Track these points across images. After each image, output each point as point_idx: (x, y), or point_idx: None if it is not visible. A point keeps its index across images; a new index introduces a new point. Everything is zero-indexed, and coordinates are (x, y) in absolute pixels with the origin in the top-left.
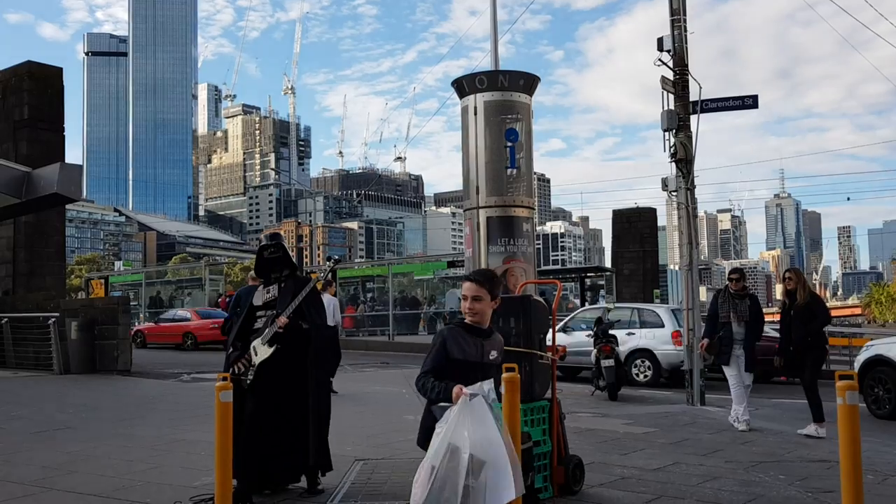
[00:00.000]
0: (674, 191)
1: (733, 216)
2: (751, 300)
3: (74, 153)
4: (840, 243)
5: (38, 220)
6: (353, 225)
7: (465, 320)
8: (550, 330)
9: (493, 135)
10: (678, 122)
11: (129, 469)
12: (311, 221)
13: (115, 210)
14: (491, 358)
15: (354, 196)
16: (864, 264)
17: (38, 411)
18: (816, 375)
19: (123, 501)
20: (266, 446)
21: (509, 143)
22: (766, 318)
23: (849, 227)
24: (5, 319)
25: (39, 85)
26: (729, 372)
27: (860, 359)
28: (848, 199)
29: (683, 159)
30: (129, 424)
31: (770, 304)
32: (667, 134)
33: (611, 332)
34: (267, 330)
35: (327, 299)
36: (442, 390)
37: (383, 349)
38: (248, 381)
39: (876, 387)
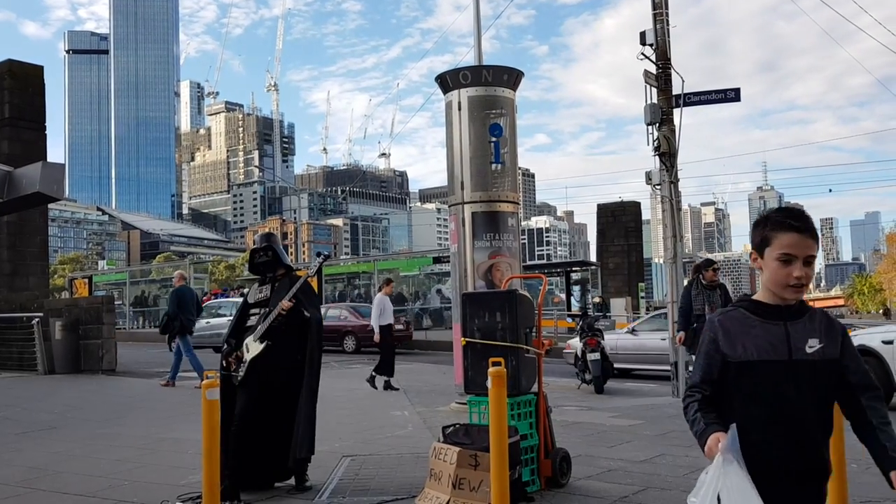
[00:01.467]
0: (658, 184)
1: (717, 209)
2: (721, 290)
3: (56, 152)
4: (823, 235)
5: (20, 220)
6: (339, 222)
7: (769, 299)
8: (536, 324)
9: (478, 130)
10: (661, 115)
11: (116, 468)
12: (295, 219)
13: (99, 209)
14: (809, 352)
15: (339, 193)
16: (846, 255)
17: (23, 412)
18: None
19: (110, 501)
20: (255, 443)
21: (493, 138)
22: None
23: (831, 218)
24: None
25: (20, 83)
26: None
27: None
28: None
29: (667, 153)
30: (115, 424)
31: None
32: (650, 128)
33: (597, 325)
34: (259, 326)
35: (379, 298)
36: (699, 432)
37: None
38: (239, 378)
39: None
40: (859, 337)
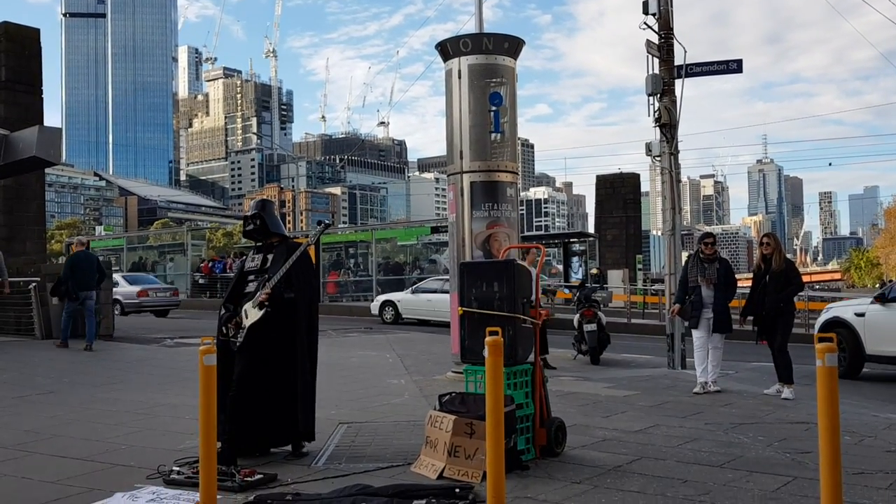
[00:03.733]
0: (658, 156)
1: (716, 182)
2: (721, 264)
3: (53, 116)
4: (821, 209)
5: (17, 184)
6: (337, 190)
7: None
8: (534, 294)
9: (478, 99)
10: (663, 86)
11: (114, 432)
12: (293, 187)
13: (96, 174)
14: None
15: (337, 161)
16: (844, 230)
17: (21, 376)
18: (787, 339)
19: (108, 465)
20: (253, 409)
21: (493, 108)
22: (741, 284)
23: (830, 192)
24: None
25: (16, 46)
26: (696, 335)
27: (820, 321)
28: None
29: (668, 124)
30: (112, 389)
31: (751, 270)
32: (651, 98)
33: (594, 296)
34: (258, 294)
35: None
36: None
37: (367, 314)
38: (238, 344)
39: None
40: (834, 310)
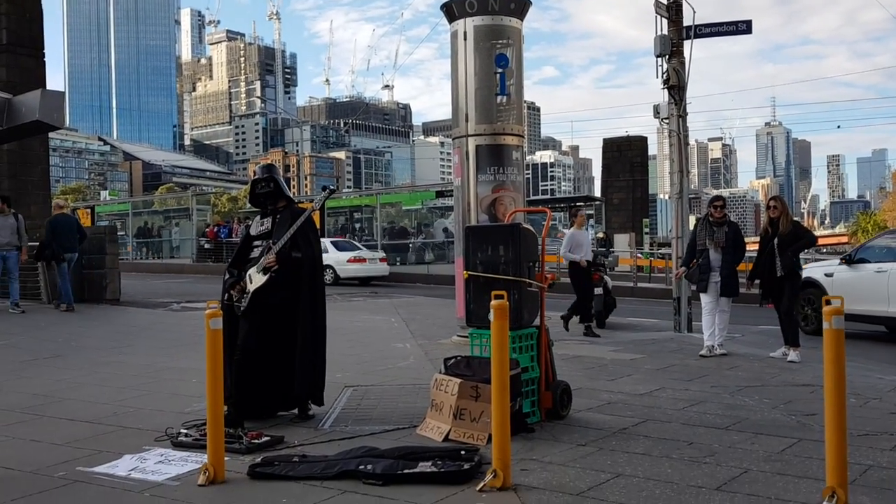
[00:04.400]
0: (665, 118)
1: (724, 144)
2: (730, 227)
3: (56, 80)
4: (829, 172)
5: (21, 149)
6: (341, 154)
7: None
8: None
9: (483, 61)
10: (671, 47)
11: (121, 396)
12: (298, 151)
13: (100, 139)
14: None
15: (342, 125)
16: (852, 193)
17: (28, 340)
18: (794, 302)
19: (115, 427)
20: (258, 373)
21: (499, 70)
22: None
23: (838, 155)
24: None
25: (17, 8)
26: (704, 299)
27: None
28: (838, 127)
29: (676, 86)
30: (119, 353)
31: (758, 234)
32: (660, 60)
33: (608, 259)
34: (263, 259)
35: (579, 234)
36: None
37: None
38: (242, 308)
39: (806, 306)
40: (806, 270)
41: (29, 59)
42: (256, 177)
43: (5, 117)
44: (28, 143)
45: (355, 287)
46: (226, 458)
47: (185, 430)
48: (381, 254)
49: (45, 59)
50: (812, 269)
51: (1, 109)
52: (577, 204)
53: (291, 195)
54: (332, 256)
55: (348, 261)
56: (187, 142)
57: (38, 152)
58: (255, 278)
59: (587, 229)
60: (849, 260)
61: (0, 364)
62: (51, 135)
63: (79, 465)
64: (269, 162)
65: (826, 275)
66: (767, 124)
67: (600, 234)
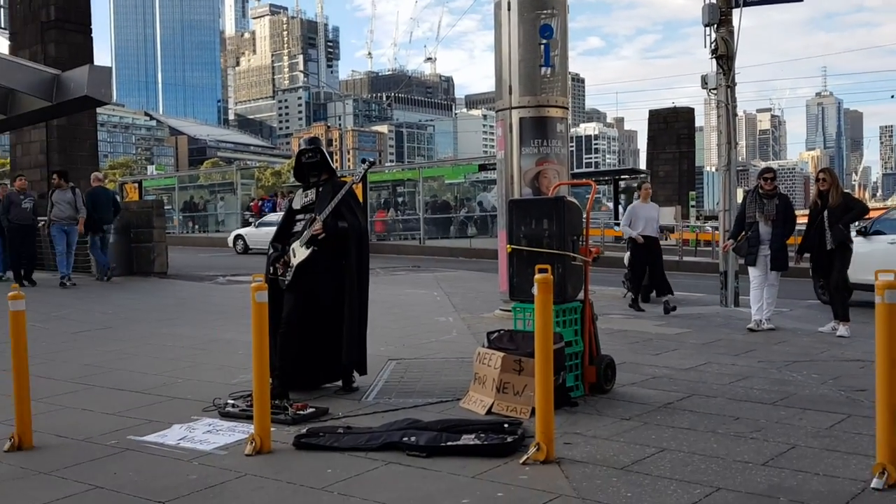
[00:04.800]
0: (713, 89)
1: (773, 115)
2: (780, 199)
3: (103, 56)
4: (881, 143)
5: (70, 124)
6: (383, 128)
7: None
8: (584, 231)
9: (527, 31)
10: (720, 16)
11: (169, 367)
12: (340, 125)
13: (146, 114)
14: None
15: (384, 99)
16: None
17: (78, 312)
18: (843, 276)
19: (164, 398)
20: (302, 345)
21: (544, 41)
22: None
23: (891, 126)
24: (43, 223)
25: None
26: (753, 272)
27: None
28: (893, 96)
29: (724, 55)
30: (167, 325)
31: (807, 206)
32: (708, 29)
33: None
34: (305, 232)
35: (639, 207)
36: None
37: (415, 253)
38: (286, 282)
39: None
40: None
41: (77, 34)
42: (302, 148)
43: (54, 93)
44: (77, 119)
45: (388, 261)
46: (272, 429)
47: (232, 401)
48: None
49: (93, 35)
50: None
51: (50, 85)
52: (641, 176)
53: (334, 168)
54: (245, 228)
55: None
56: (231, 116)
57: (86, 127)
58: (299, 252)
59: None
60: (864, 232)
61: (52, 336)
62: (98, 110)
63: (129, 433)
64: (313, 135)
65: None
66: (818, 94)
67: (629, 208)
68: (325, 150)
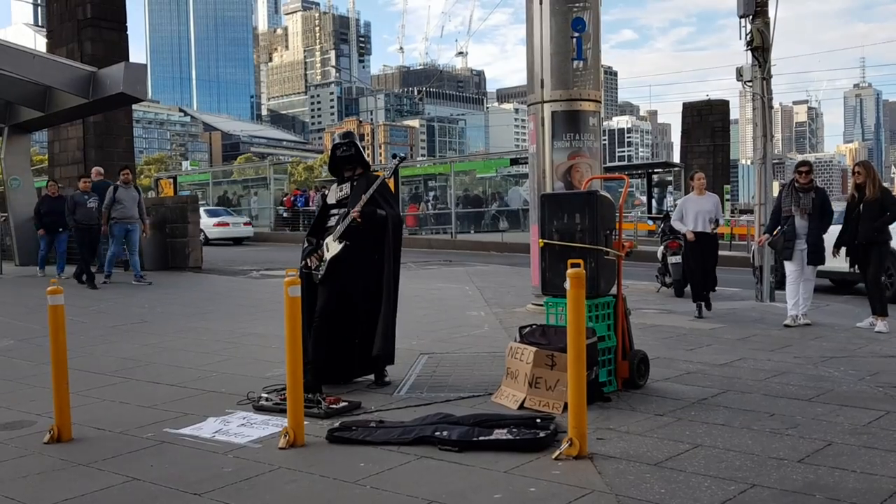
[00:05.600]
0: (749, 81)
1: (810, 108)
2: (816, 193)
3: (138, 53)
4: None
5: (106, 120)
6: (415, 123)
7: None
8: (617, 225)
9: (559, 24)
10: (755, 6)
11: (204, 360)
12: (372, 120)
13: (181, 110)
14: None
15: (416, 93)
16: None
17: (115, 306)
18: (881, 270)
19: (200, 391)
20: (335, 339)
21: (576, 34)
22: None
23: None
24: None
25: None
26: (789, 267)
27: None
28: None
29: (760, 47)
30: (202, 319)
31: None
32: (743, 20)
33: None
34: (339, 227)
35: (690, 201)
36: None
37: (446, 247)
38: (320, 277)
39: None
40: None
41: (112, 32)
42: (336, 142)
43: (91, 90)
44: (113, 115)
45: (420, 255)
46: (305, 423)
47: (266, 395)
48: (245, 219)
49: (128, 33)
50: None
51: (87, 82)
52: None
53: (368, 161)
54: (203, 221)
55: (214, 225)
56: (264, 112)
57: (122, 124)
58: (332, 247)
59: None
60: None
61: (89, 329)
62: (134, 106)
63: (165, 426)
64: (347, 129)
65: None
66: (856, 86)
67: (679, 201)
68: (359, 143)
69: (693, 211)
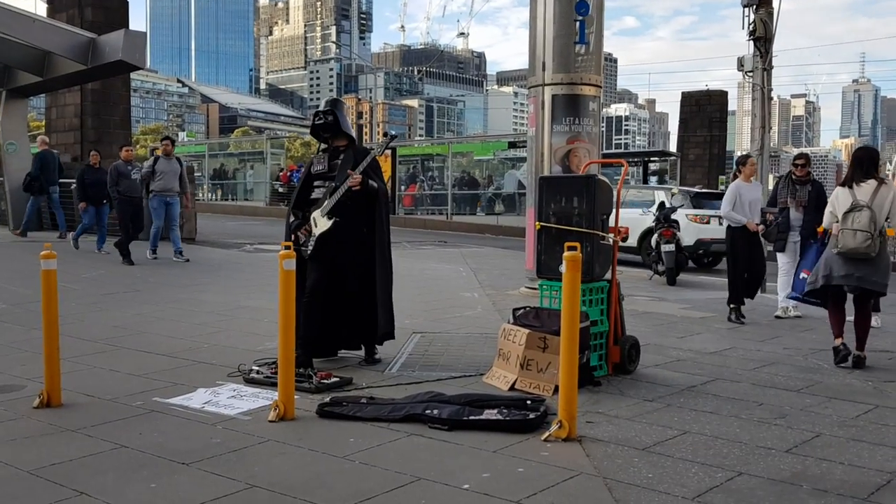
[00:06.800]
0: (750, 71)
1: (808, 101)
2: (813, 186)
3: (138, 21)
4: None
5: (104, 88)
6: (414, 102)
7: None
8: (614, 211)
9: (563, 7)
10: None
11: (196, 331)
12: (371, 98)
13: (179, 81)
14: None
15: (416, 73)
16: None
17: (107, 274)
18: None
19: (191, 361)
20: (326, 315)
21: (579, 17)
22: None
23: None
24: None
25: None
26: (782, 259)
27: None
28: None
29: (762, 37)
30: (195, 290)
31: None
32: (747, 10)
33: (673, 216)
34: (327, 202)
35: (745, 188)
36: None
37: (442, 228)
38: (309, 252)
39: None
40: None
41: None
42: (317, 110)
43: (90, 56)
44: (111, 83)
45: (415, 235)
46: (296, 397)
47: (257, 368)
48: None
49: (129, 0)
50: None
51: (86, 48)
52: (745, 153)
53: (353, 133)
54: None
55: None
56: (263, 86)
57: (120, 92)
58: (321, 222)
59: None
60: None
61: (80, 297)
62: (132, 75)
63: (155, 395)
64: (335, 98)
65: None
66: (855, 81)
67: (675, 190)
68: (342, 112)
69: (748, 200)
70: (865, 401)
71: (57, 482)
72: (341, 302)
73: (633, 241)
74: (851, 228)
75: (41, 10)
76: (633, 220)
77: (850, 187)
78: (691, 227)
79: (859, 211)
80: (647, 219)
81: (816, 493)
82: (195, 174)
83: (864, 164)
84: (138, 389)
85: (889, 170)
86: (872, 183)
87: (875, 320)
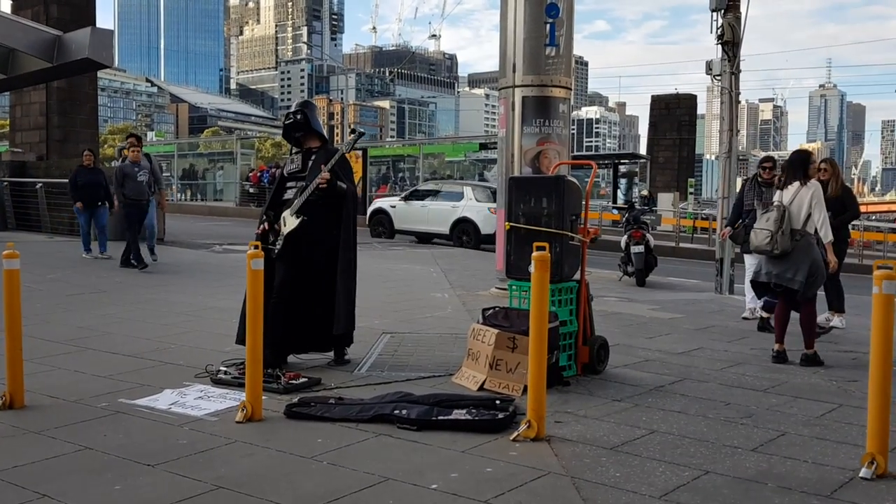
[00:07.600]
0: (718, 75)
1: (775, 106)
2: None
3: (105, 19)
4: (883, 137)
5: (70, 86)
6: (385, 104)
7: None
8: (583, 212)
9: (533, 10)
10: (728, 1)
11: (163, 332)
12: (342, 99)
13: (148, 80)
14: None
15: (387, 74)
16: None
17: (73, 275)
18: (839, 267)
19: (157, 362)
20: (294, 315)
21: (549, 20)
22: None
23: (893, 120)
24: (40, 184)
25: None
26: (749, 261)
27: (369, 210)
28: None
29: (730, 42)
30: (162, 290)
31: None
32: (715, 14)
33: (643, 218)
34: (296, 200)
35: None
36: None
37: None
38: (277, 251)
39: (380, 227)
40: (376, 202)
41: None
42: (289, 111)
43: (55, 54)
44: (77, 81)
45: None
46: (263, 398)
47: (225, 368)
48: None
49: None
50: (381, 202)
51: (51, 46)
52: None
53: (324, 134)
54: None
55: None
56: (233, 86)
57: (87, 90)
58: (289, 221)
59: (630, 188)
60: (406, 198)
61: (46, 297)
62: (99, 74)
63: (121, 396)
64: (306, 99)
65: (391, 206)
66: (822, 86)
67: (644, 192)
68: (312, 113)
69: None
70: (830, 400)
71: (19, 485)
72: (309, 302)
73: (445, 229)
74: (757, 227)
75: (5, 6)
76: (445, 211)
77: (782, 189)
78: (491, 219)
79: (770, 211)
80: (458, 211)
81: (781, 491)
82: (164, 174)
83: (794, 166)
84: (104, 391)
85: (855, 174)
86: (796, 185)
87: (839, 321)
